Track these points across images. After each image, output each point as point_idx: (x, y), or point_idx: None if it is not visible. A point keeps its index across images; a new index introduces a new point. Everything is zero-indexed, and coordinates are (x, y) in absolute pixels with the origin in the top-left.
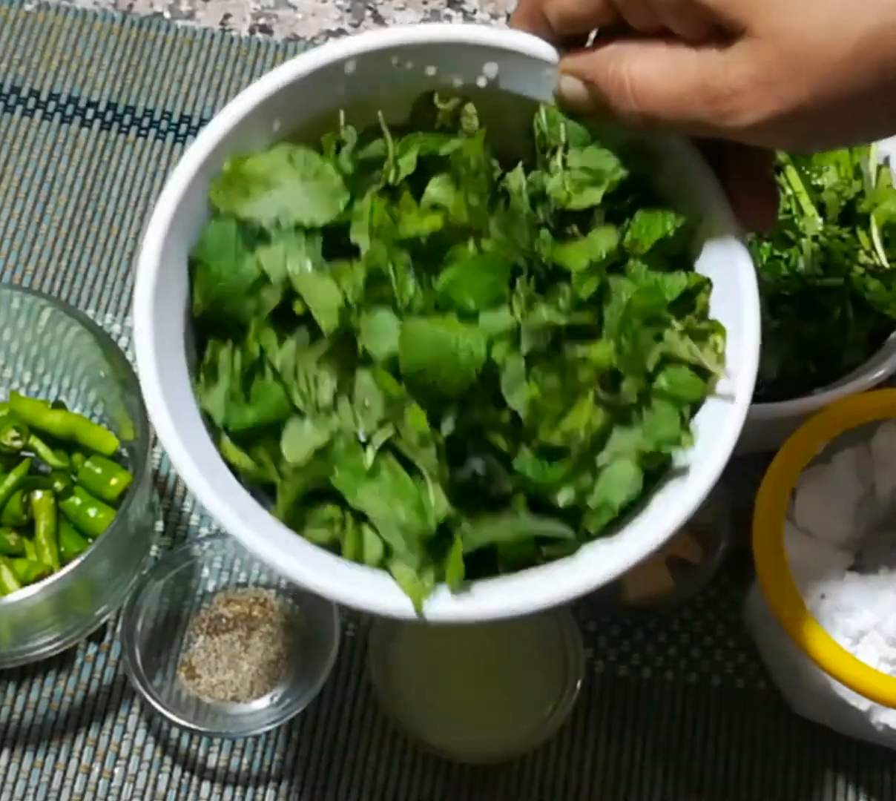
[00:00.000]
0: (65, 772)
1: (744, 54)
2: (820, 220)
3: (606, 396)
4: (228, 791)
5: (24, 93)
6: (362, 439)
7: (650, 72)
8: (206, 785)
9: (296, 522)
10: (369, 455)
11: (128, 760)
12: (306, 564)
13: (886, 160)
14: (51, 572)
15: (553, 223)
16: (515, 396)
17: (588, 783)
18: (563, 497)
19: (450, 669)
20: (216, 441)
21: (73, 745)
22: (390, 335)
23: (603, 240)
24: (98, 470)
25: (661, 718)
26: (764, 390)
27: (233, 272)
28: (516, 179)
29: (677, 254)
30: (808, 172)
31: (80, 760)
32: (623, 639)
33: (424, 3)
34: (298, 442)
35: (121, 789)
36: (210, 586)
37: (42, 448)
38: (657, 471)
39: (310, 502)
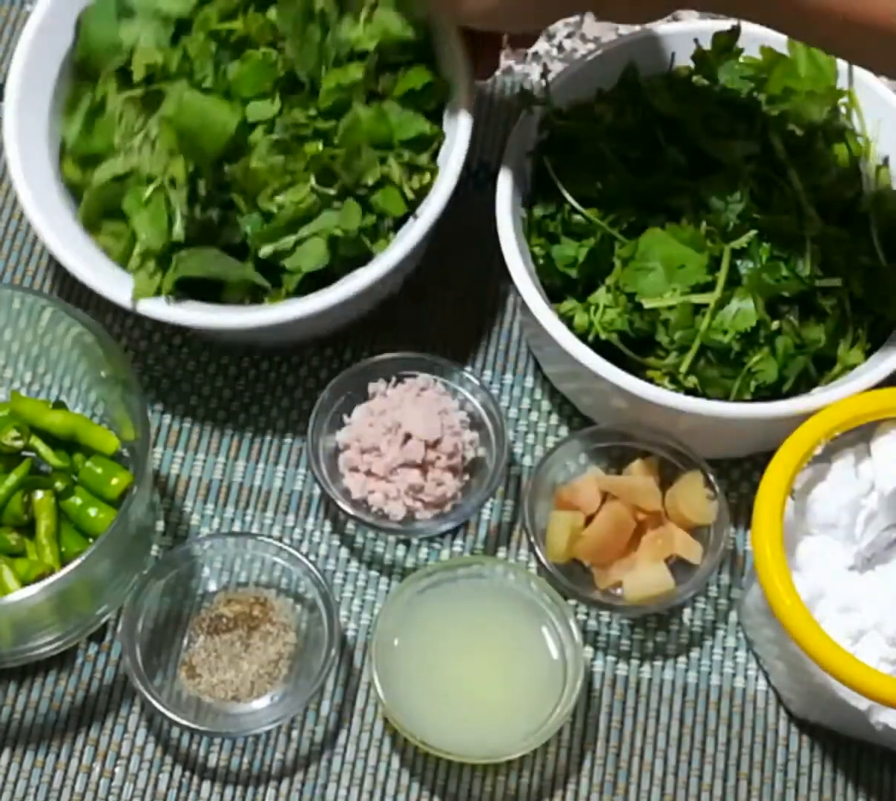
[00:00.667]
0: (66, 771)
1: None
2: (819, 220)
3: (320, 187)
4: (229, 791)
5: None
6: (150, 174)
7: None
8: (206, 785)
9: (93, 227)
10: (149, 189)
11: (128, 759)
12: (78, 255)
13: (886, 160)
14: (51, 572)
15: (344, 57)
16: (253, 162)
17: (588, 782)
18: (264, 250)
19: (450, 669)
20: (60, 161)
21: (74, 744)
22: (180, 100)
23: (353, 71)
24: (99, 470)
25: (660, 717)
26: (763, 391)
27: (104, 34)
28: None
29: (431, 110)
30: (807, 172)
31: (80, 759)
32: (622, 638)
33: None
34: (108, 168)
35: (121, 788)
36: (211, 586)
37: (43, 448)
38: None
39: (107, 217)
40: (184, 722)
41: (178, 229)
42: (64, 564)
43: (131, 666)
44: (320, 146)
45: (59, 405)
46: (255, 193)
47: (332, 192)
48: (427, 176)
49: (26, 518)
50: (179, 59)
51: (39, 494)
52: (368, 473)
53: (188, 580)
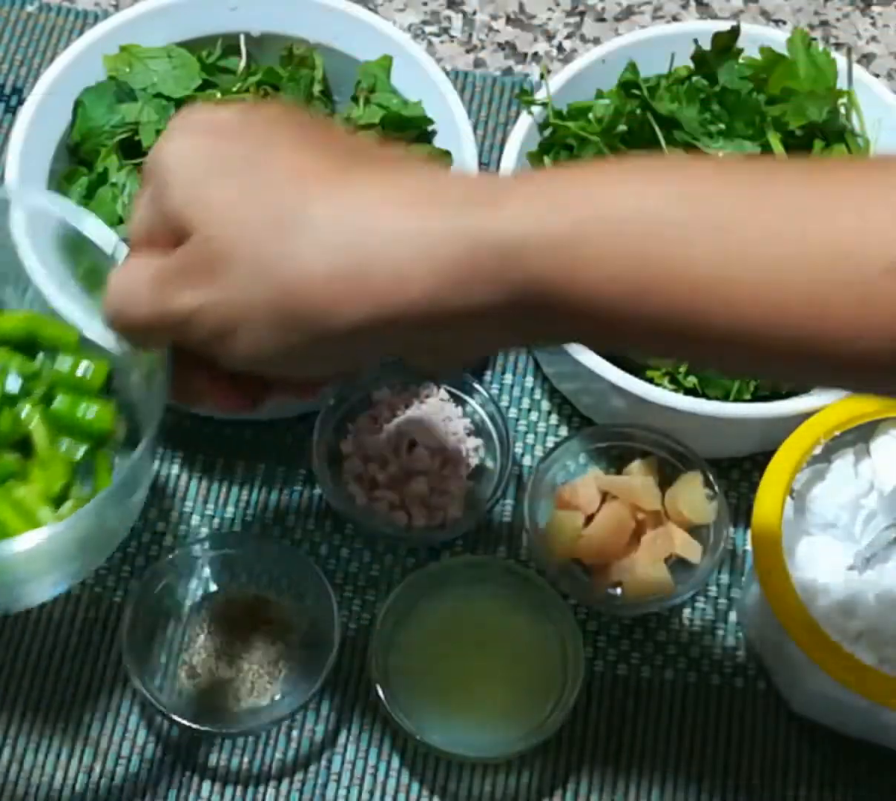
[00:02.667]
0: (66, 771)
1: (182, 249)
2: None
3: None
4: (229, 790)
5: (27, 94)
6: None
7: (120, 275)
8: (206, 784)
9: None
10: None
11: (129, 759)
12: (84, 309)
13: None
14: (69, 483)
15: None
16: None
17: (587, 782)
18: None
19: (450, 668)
20: None
21: (75, 745)
22: None
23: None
24: (69, 364)
25: (660, 717)
26: (763, 391)
27: (102, 115)
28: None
29: None
30: None
31: (81, 759)
32: (622, 638)
33: (424, 3)
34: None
35: (122, 788)
36: (211, 586)
37: (5, 355)
38: None
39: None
40: (184, 722)
41: None
42: (74, 471)
43: (131, 666)
44: None
45: None
46: None
47: None
48: None
49: (18, 436)
50: None
51: (25, 409)
52: (373, 481)
53: (189, 581)
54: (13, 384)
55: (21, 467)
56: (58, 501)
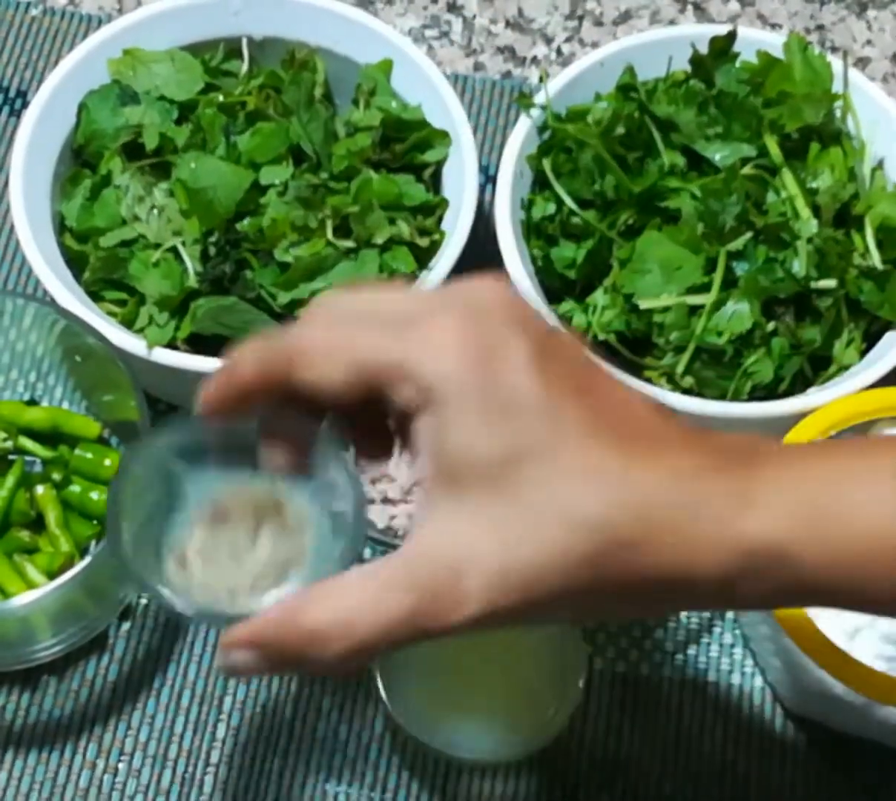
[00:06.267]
0: (70, 768)
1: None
2: (815, 222)
3: (336, 240)
4: (231, 786)
5: (31, 97)
6: (156, 241)
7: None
8: (208, 779)
9: (95, 296)
10: (157, 253)
11: (132, 755)
12: (89, 309)
13: (880, 163)
14: (72, 560)
15: (345, 132)
16: (267, 221)
17: (586, 779)
18: (281, 299)
19: (451, 668)
20: (59, 234)
21: (78, 741)
22: (192, 166)
23: (362, 139)
24: (89, 455)
25: (658, 714)
26: (759, 391)
27: (106, 118)
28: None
29: (432, 180)
30: (803, 175)
31: (84, 756)
32: (620, 636)
33: (425, 8)
34: (115, 236)
35: (125, 784)
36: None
37: (31, 444)
38: None
39: (109, 285)
40: (170, 597)
41: (192, 281)
42: (80, 549)
43: (111, 535)
44: (338, 198)
45: (31, 403)
46: (269, 248)
47: (349, 243)
48: (435, 236)
49: (33, 514)
50: (188, 133)
51: (40, 489)
52: (385, 500)
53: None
54: (34, 468)
55: (32, 542)
56: (59, 574)
